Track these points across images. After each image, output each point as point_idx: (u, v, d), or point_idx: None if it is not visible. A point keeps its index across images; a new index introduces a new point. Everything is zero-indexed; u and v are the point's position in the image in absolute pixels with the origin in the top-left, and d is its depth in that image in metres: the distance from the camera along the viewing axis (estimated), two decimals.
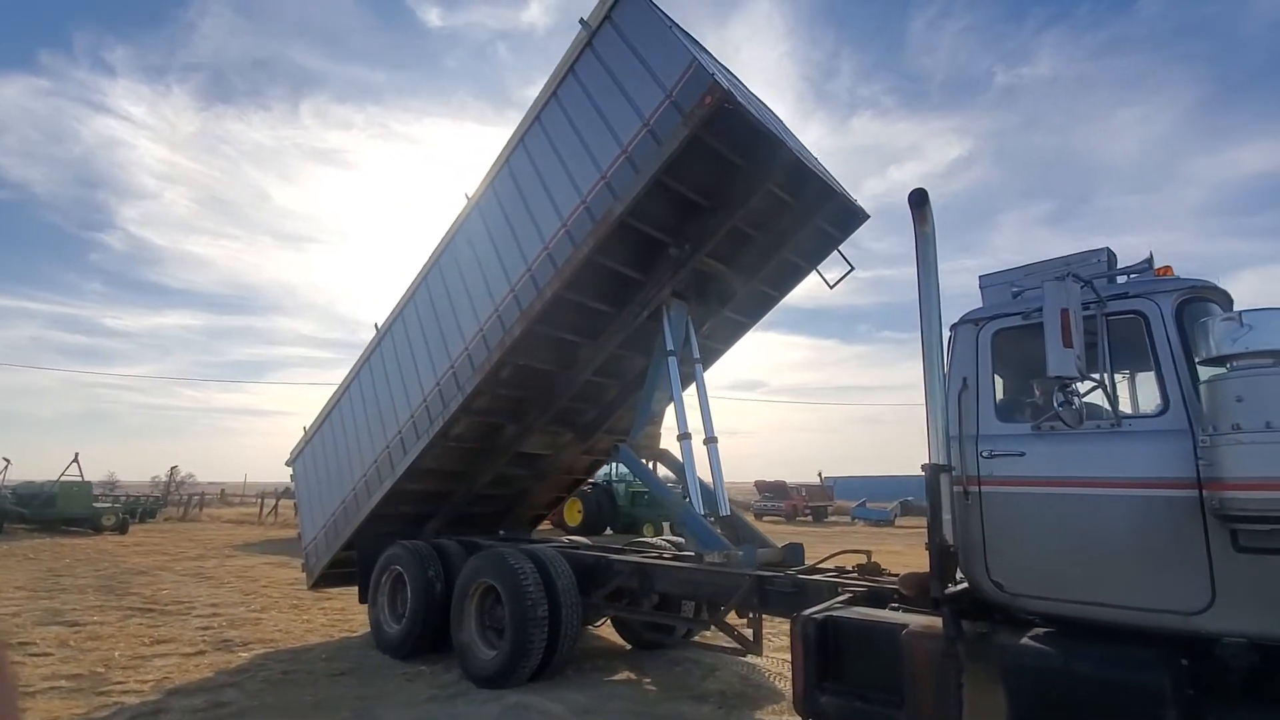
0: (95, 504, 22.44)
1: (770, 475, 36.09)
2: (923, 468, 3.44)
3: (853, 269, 6.91)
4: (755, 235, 6.48)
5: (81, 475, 23.41)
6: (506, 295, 6.24)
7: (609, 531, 21.91)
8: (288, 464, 9.08)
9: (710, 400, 6.51)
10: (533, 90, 6.49)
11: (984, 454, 3.46)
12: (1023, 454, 3.36)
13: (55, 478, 22.75)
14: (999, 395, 3.67)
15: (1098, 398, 3.37)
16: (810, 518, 33.59)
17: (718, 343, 7.84)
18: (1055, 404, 3.02)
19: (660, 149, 5.10)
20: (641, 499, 22.43)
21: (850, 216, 6.76)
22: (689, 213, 5.96)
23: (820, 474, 41.55)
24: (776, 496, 33.98)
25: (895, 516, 32.86)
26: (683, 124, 4.96)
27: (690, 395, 6.47)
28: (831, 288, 7.02)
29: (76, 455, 23.46)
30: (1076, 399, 3.02)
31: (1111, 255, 3.81)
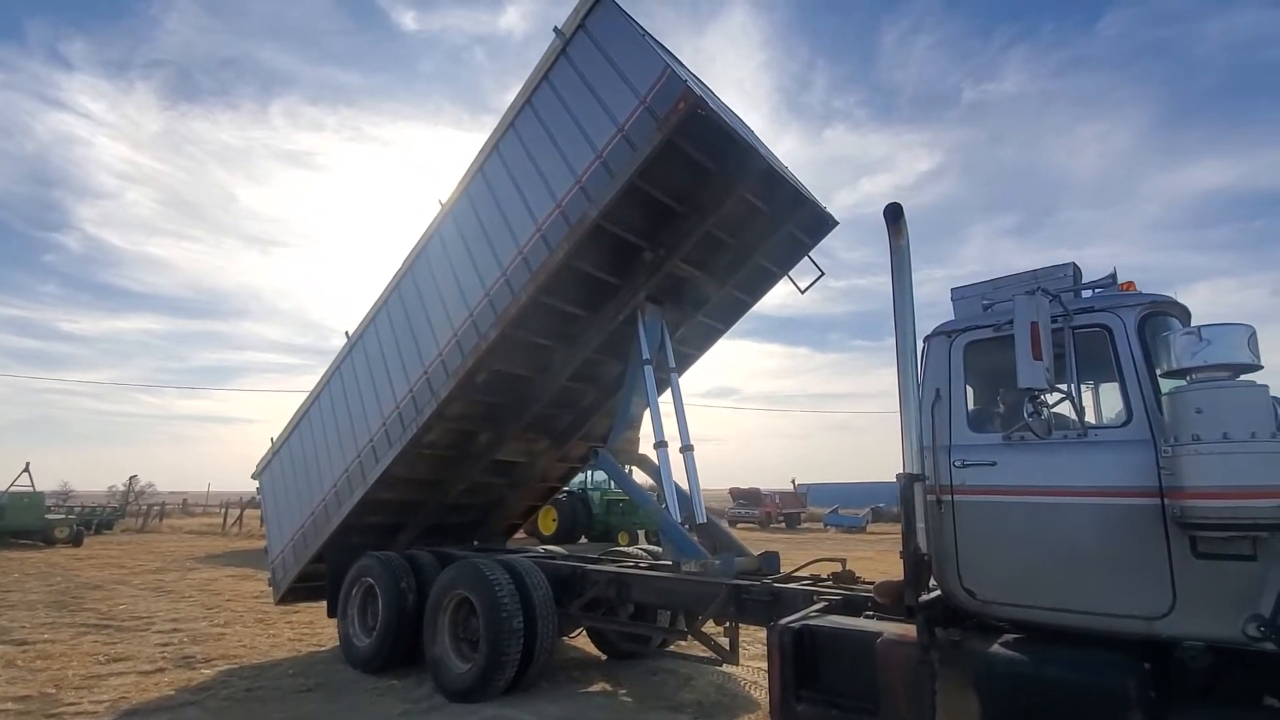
0: (47, 515, 21.62)
1: (744, 482, 36.23)
2: (897, 477, 3.49)
3: (823, 274, 7.04)
4: (728, 241, 6.57)
5: (33, 485, 22.53)
6: (481, 300, 6.23)
7: (584, 540, 21.82)
8: (254, 477, 8.87)
9: (685, 407, 6.55)
10: (509, 96, 6.52)
11: (956, 463, 3.53)
12: (994, 463, 3.44)
13: (3, 488, 21.87)
14: (971, 406, 3.75)
15: (1065, 408, 3.48)
16: (784, 524, 33.86)
17: (691, 348, 7.90)
18: (1025, 414, 3.09)
19: (635, 153, 5.18)
20: (616, 507, 22.39)
21: (820, 223, 6.89)
22: (663, 218, 6.03)
23: (794, 481, 41.89)
24: (750, 503, 34.15)
25: (867, 523, 33.27)
26: (657, 129, 5.05)
27: (666, 403, 6.52)
28: (803, 293, 7.15)
29: (27, 464, 22.56)
30: (1045, 410, 3.10)
31: (1077, 270, 3.93)
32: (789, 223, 6.61)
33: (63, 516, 22.57)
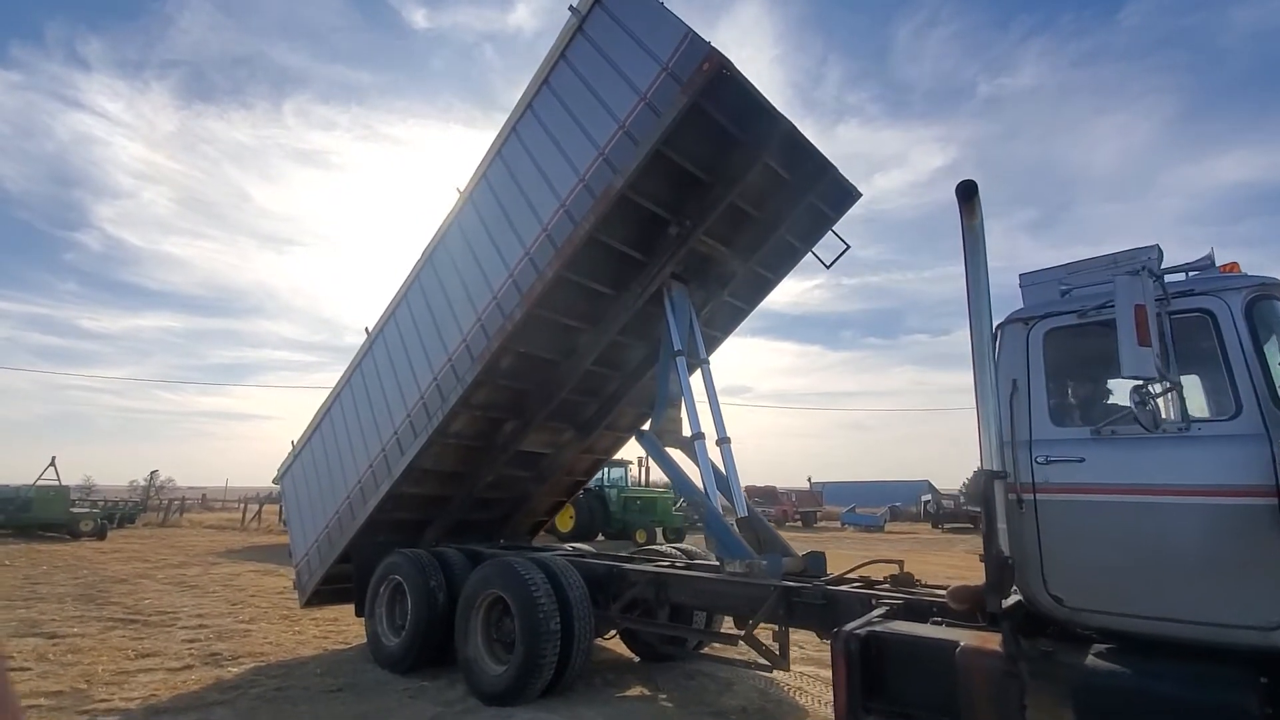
0: (73, 509, 21.81)
1: (759, 480, 35.96)
2: (975, 474, 3.25)
3: (849, 247, 6.90)
4: (752, 213, 6.43)
5: (59, 479, 22.76)
6: (505, 281, 6.13)
7: (600, 537, 21.63)
8: (276, 480, 8.78)
9: (700, 403, 6.34)
10: (519, 91, 6.42)
11: (1039, 460, 3.27)
12: (1082, 460, 3.17)
13: (30, 482, 22.08)
14: (1052, 397, 3.49)
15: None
16: (800, 523, 33.53)
17: (716, 330, 7.74)
18: (1132, 406, 2.83)
19: (660, 119, 5.10)
20: (634, 504, 22.19)
21: (843, 195, 6.74)
22: (688, 189, 5.91)
23: (810, 479, 41.52)
24: (766, 502, 33.84)
25: (885, 522, 32.87)
26: (681, 92, 4.97)
27: (700, 394, 6.31)
28: (828, 267, 6.99)
29: (54, 459, 22.83)
30: (1152, 401, 2.84)
31: (1160, 254, 3.65)
32: (812, 193, 6.45)
33: (87, 510, 22.77)
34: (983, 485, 3.18)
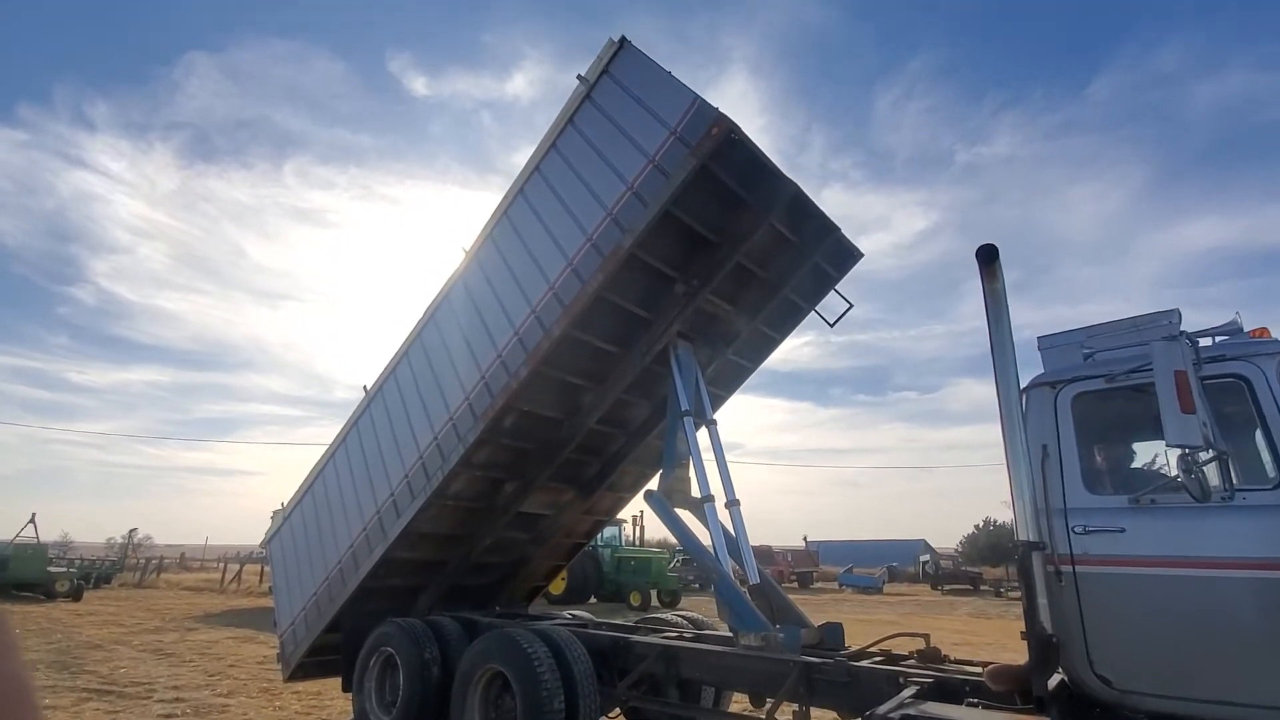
0: (50, 568, 20.99)
1: (753, 539, 35.18)
2: (1013, 545, 3.10)
3: (851, 306, 6.92)
4: (758, 273, 6.46)
5: (37, 537, 22.00)
6: (510, 339, 6.06)
7: (593, 600, 20.95)
8: (263, 545, 8.47)
9: (712, 459, 6.20)
10: (516, 156, 6.63)
11: (1076, 529, 3.14)
12: (1122, 530, 3.04)
13: (8, 538, 21.31)
14: (1084, 463, 3.38)
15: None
16: (796, 584, 32.72)
17: (720, 388, 7.65)
18: (1179, 474, 2.72)
19: (669, 181, 5.15)
20: (628, 565, 21.60)
21: (846, 255, 6.84)
22: (695, 248, 5.95)
23: (805, 538, 40.82)
24: (762, 562, 33.03)
25: (883, 583, 32.16)
26: (690, 155, 5.04)
27: (707, 454, 6.18)
28: (832, 325, 7.03)
29: (33, 516, 22.14)
30: (1198, 470, 2.73)
31: (1180, 317, 3.62)
32: (816, 253, 6.52)
33: (64, 570, 21.92)
34: (1020, 557, 3.03)
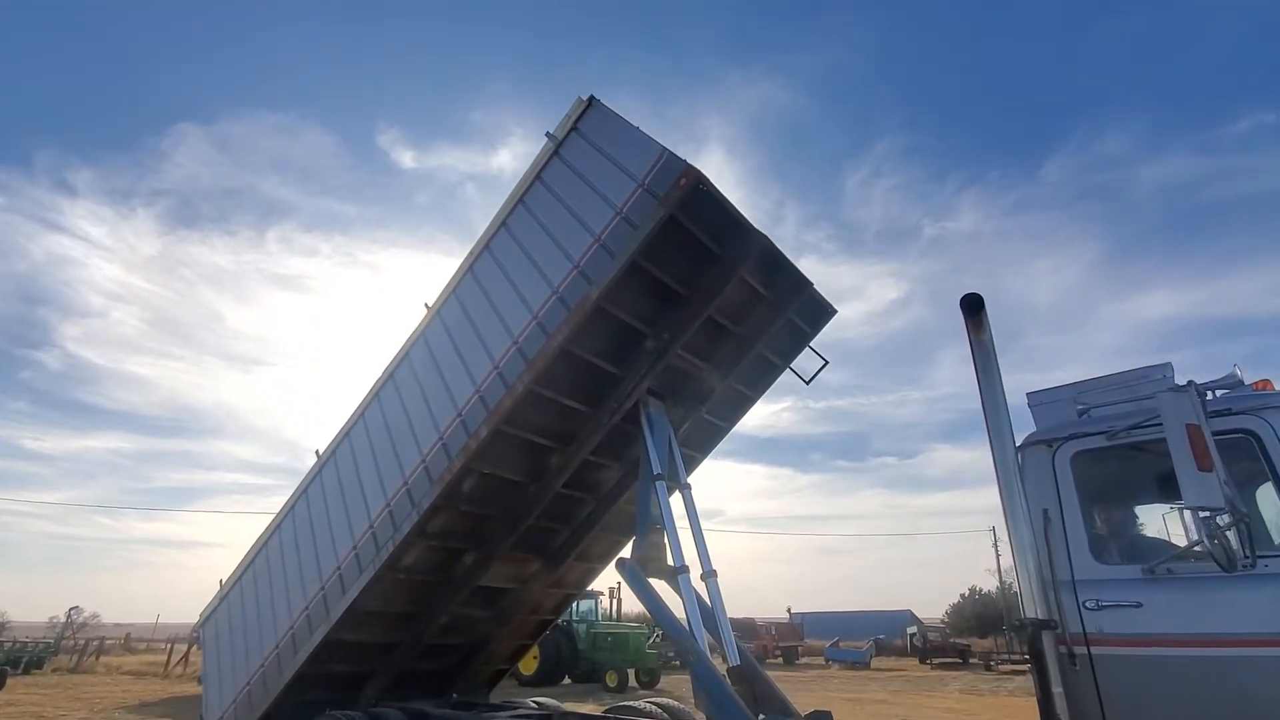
0: None
1: (733, 610, 33.95)
2: (1020, 623, 2.75)
3: (827, 363, 6.77)
4: (730, 328, 6.27)
5: None
6: (471, 397, 5.76)
7: (567, 680, 19.71)
8: (195, 629, 7.74)
9: (680, 530, 5.78)
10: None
11: (1088, 605, 2.80)
12: (1139, 604, 2.71)
13: None
14: (1090, 529, 3.07)
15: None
16: (781, 659, 31.38)
17: (694, 449, 7.30)
18: (1204, 541, 2.42)
19: (636, 232, 5.04)
20: (605, 641, 20.42)
21: (820, 311, 6.70)
22: (665, 302, 5.75)
23: (789, 610, 39.55)
24: (745, 636, 31.81)
25: (870, 657, 30.98)
26: (659, 205, 4.94)
27: (681, 520, 5.77)
28: (807, 383, 6.87)
29: None
30: (1222, 534, 2.44)
31: (1173, 370, 3.41)
32: (790, 309, 6.36)
33: None
34: (1030, 638, 2.67)
